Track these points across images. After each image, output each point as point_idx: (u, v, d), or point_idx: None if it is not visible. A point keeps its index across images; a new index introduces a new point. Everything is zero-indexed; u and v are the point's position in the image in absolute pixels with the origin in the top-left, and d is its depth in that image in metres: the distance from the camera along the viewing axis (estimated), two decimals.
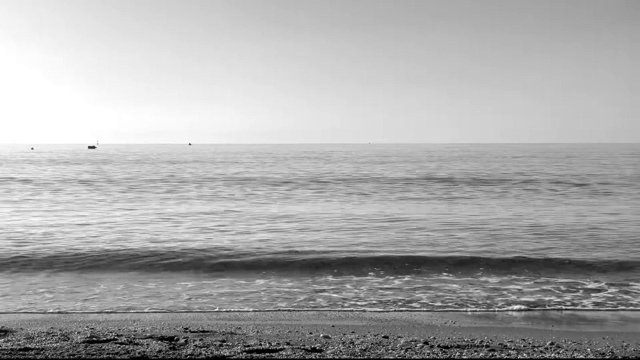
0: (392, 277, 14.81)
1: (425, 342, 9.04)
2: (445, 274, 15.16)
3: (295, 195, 36.84)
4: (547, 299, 12.89)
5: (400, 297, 13.05)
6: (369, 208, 29.55)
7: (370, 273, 15.25)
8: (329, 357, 7.98)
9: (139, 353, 7.97)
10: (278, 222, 24.33)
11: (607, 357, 8.33)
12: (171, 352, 8.06)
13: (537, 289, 13.70)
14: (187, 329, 10.14)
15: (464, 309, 12.18)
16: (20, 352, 7.97)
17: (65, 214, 26.97)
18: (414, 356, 8.16)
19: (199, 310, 12.17)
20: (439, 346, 8.78)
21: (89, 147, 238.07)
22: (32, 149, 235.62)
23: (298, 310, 12.14)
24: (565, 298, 12.95)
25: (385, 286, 14.00)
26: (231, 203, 32.35)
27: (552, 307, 12.28)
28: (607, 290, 13.49)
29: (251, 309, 12.24)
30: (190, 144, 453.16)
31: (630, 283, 14.16)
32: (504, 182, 46.61)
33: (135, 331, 9.86)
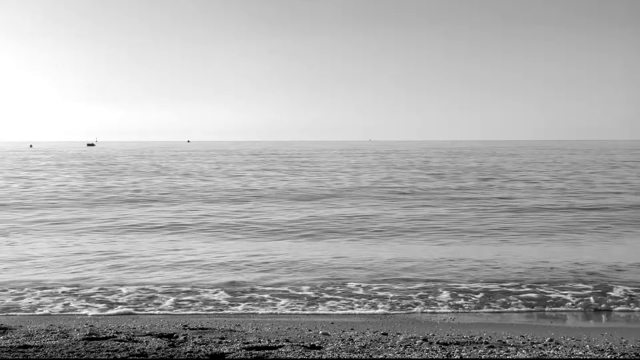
0: None
1: (425, 339, 9.05)
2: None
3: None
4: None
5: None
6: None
7: None
8: (328, 354, 7.98)
9: (138, 350, 7.97)
10: None
11: (606, 353, 8.33)
12: (170, 349, 8.06)
13: None
14: (186, 326, 10.14)
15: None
16: (19, 350, 7.96)
17: None
18: (413, 353, 8.17)
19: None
20: (438, 343, 8.79)
21: (88, 145, 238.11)
22: (31, 146, 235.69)
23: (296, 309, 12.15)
24: None
25: None
26: None
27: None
28: None
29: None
30: (189, 141, 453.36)
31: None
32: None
33: (134, 328, 9.87)
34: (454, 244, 19.12)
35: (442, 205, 29.90)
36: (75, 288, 13.53)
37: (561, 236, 20.62)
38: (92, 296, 12.90)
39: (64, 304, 12.28)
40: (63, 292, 13.20)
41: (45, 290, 13.27)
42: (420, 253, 17.53)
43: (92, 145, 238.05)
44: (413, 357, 7.99)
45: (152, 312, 11.85)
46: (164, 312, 11.84)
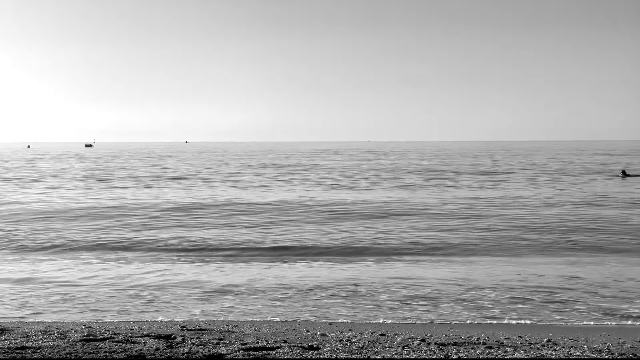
0: None
1: (422, 340, 9.05)
2: None
3: None
4: None
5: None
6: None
7: None
8: (326, 355, 7.98)
9: (136, 351, 7.96)
10: None
11: (604, 353, 8.33)
12: (168, 350, 8.05)
13: None
14: (184, 327, 10.13)
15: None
16: (17, 351, 7.95)
17: None
18: (411, 353, 8.16)
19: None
20: (435, 343, 8.79)
21: (86, 146, 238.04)
22: (29, 147, 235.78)
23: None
24: None
25: None
26: None
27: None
28: None
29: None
30: (186, 142, 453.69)
31: None
32: None
33: (132, 329, 9.85)
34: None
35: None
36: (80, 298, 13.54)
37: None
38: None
39: (62, 309, 12.28)
40: (64, 296, 13.21)
41: (44, 297, 13.27)
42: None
43: (90, 146, 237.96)
44: (411, 357, 7.99)
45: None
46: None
